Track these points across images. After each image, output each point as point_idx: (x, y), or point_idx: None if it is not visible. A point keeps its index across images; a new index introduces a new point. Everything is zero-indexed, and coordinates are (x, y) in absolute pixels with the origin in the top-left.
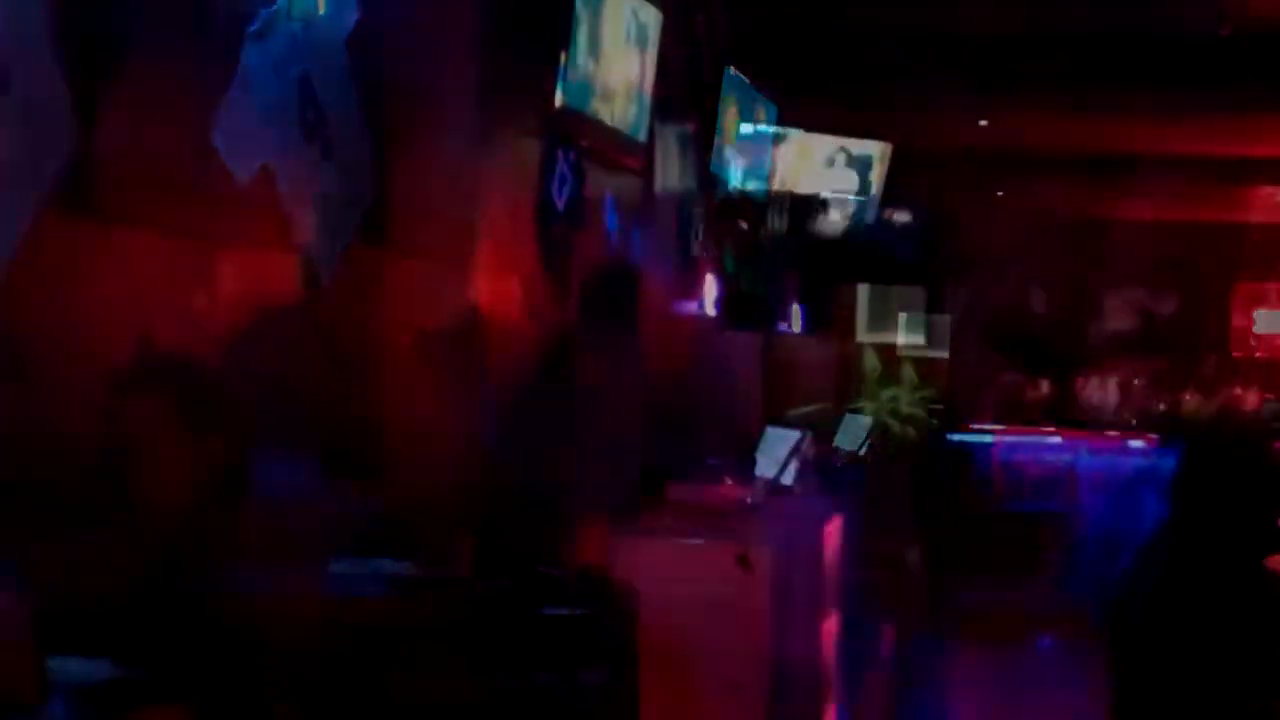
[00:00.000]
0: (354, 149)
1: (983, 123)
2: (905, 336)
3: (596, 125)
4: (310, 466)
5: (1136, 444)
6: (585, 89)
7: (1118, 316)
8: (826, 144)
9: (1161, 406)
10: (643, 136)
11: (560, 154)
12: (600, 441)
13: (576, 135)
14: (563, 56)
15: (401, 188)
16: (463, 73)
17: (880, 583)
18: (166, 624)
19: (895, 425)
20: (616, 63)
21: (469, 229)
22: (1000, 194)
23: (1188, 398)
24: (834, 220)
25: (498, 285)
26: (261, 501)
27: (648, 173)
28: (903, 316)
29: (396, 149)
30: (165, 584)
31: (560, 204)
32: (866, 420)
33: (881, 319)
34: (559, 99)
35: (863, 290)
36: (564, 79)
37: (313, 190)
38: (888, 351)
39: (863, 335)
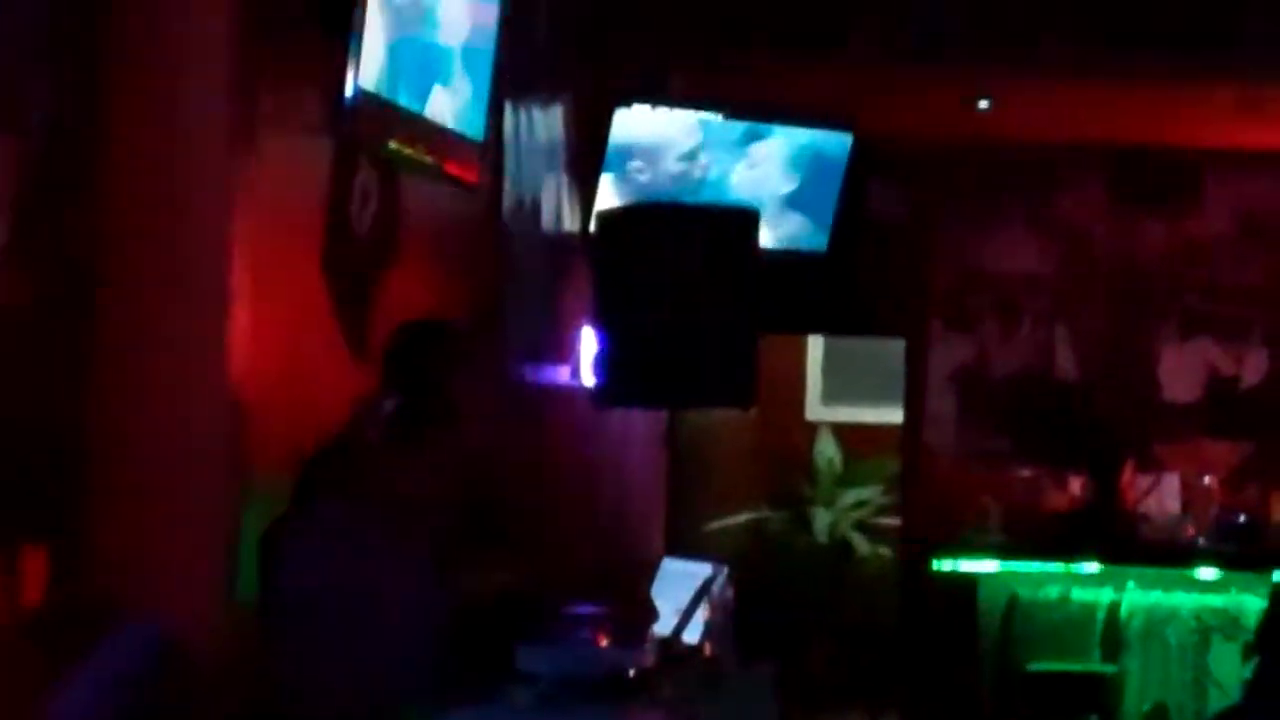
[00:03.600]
0: None
1: (983, 104)
2: (877, 413)
3: (411, 119)
4: None
5: (1207, 574)
6: (392, 68)
7: (1180, 382)
8: (758, 134)
9: (1243, 518)
10: (478, 134)
11: (360, 159)
12: (411, 581)
13: (383, 134)
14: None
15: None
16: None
17: None
18: None
19: (864, 545)
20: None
21: (215, 259)
22: (1010, 209)
23: None
24: (772, 240)
25: (262, 344)
26: None
27: (494, 185)
28: (873, 383)
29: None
30: None
31: (361, 228)
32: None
33: (844, 387)
34: (352, 81)
35: (815, 345)
36: (357, 52)
37: None
38: (853, 435)
39: (815, 411)
